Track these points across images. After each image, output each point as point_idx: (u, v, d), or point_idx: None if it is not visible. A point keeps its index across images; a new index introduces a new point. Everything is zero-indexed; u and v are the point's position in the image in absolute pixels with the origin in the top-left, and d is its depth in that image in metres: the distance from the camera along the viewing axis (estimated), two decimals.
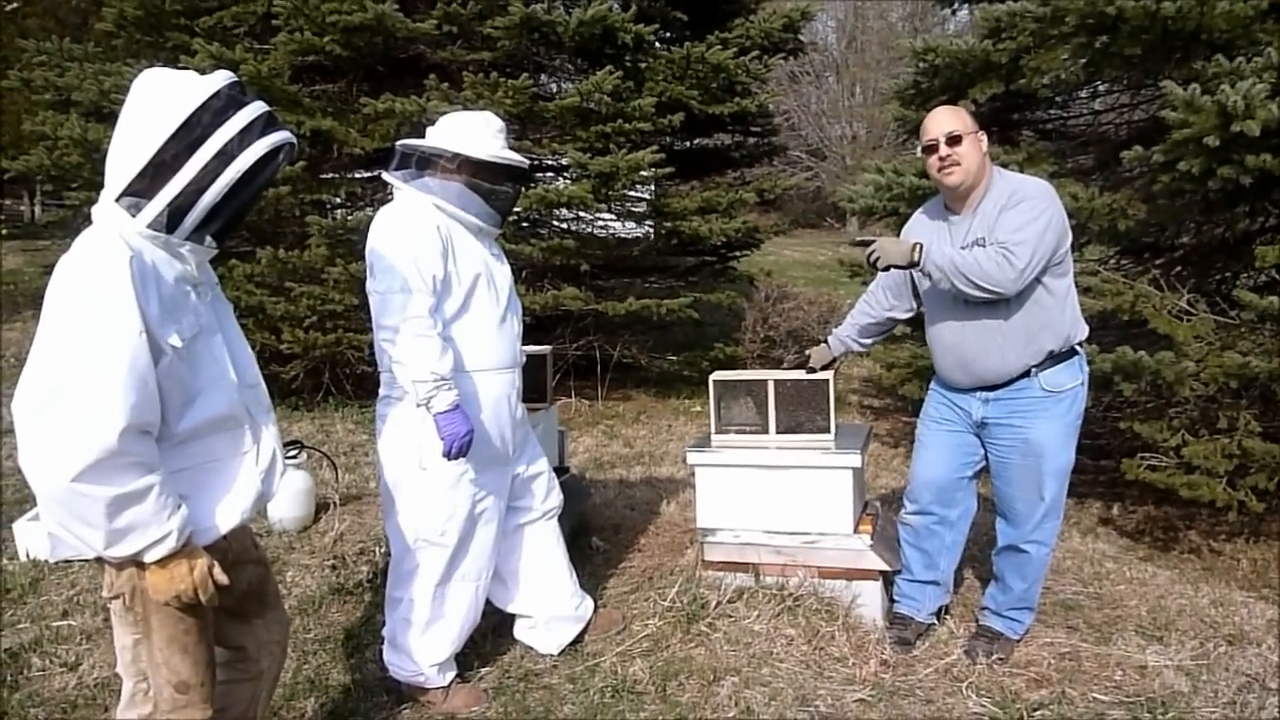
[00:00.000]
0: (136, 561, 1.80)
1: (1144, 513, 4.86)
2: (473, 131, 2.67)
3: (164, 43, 6.48)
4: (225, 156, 1.81)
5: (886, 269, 2.91)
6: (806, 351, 3.41)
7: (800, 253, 19.08)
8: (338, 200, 6.90)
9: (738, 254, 8.71)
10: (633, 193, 7.26)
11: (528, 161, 2.80)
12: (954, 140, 2.77)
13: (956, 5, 6.14)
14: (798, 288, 8.36)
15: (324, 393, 6.80)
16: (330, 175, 6.88)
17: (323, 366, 6.65)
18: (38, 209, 20.95)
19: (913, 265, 2.77)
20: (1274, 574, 4.13)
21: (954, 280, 2.71)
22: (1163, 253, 5.57)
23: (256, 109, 1.86)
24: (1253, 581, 4.09)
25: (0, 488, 4.89)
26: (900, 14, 30.81)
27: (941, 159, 2.80)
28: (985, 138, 2.84)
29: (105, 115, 6.53)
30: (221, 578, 1.88)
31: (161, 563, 1.79)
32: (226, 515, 1.96)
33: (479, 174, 2.67)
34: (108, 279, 1.72)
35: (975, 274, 2.67)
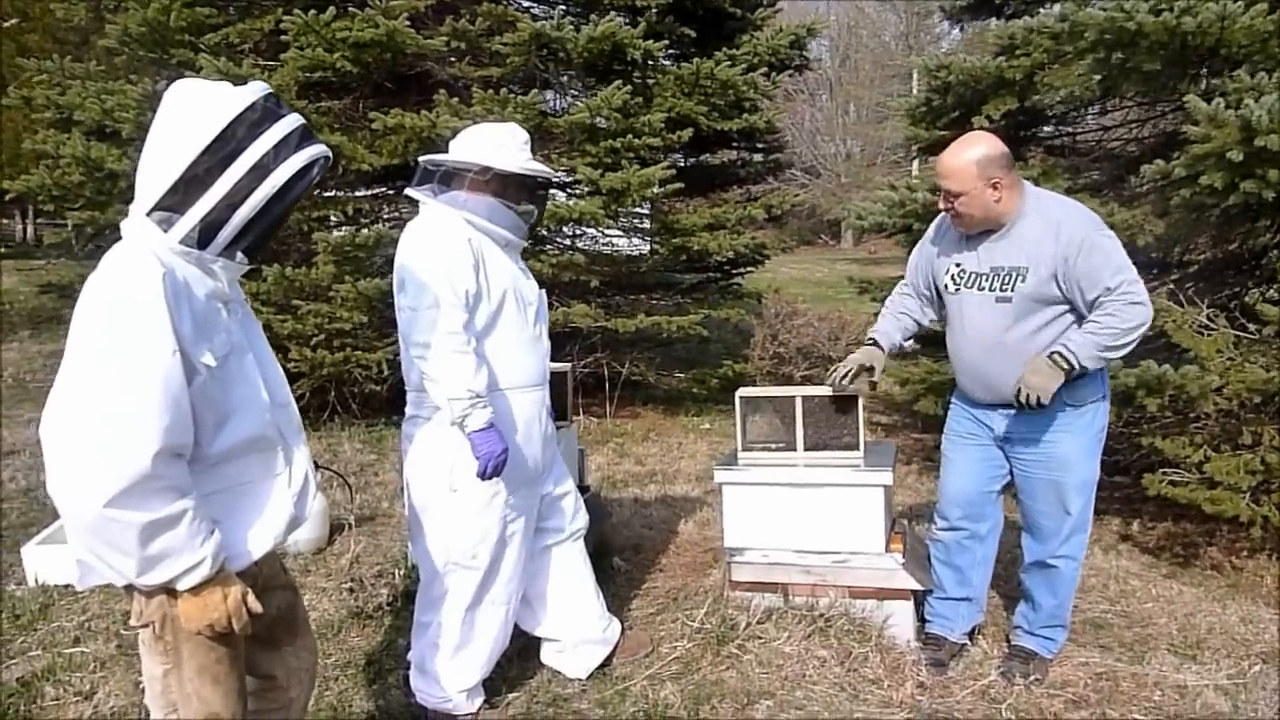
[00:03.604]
0: (167, 589, 1.74)
1: (1163, 529, 4.81)
2: (500, 144, 2.63)
3: (169, 59, 6.43)
4: (260, 171, 1.76)
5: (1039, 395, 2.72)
6: (853, 358, 3.14)
7: (797, 270, 19.09)
8: (343, 217, 6.83)
9: (743, 271, 8.68)
10: (638, 209, 7.24)
11: (555, 173, 2.76)
12: (953, 196, 2.76)
13: (966, 20, 6.14)
14: (804, 304, 8.31)
15: (330, 412, 6.73)
16: (336, 193, 6.83)
17: (330, 385, 6.58)
18: (30, 228, 20.88)
19: (1070, 374, 2.69)
20: None
21: (1110, 355, 2.70)
22: (1174, 268, 5.55)
23: (292, 121, 1.82)
24: (1278, 598, 4.04)
25: (4, 511, 4.80)
26: (893, 32, 31.07)
27: (947, 206, 2.81)
28: (1006, 173, 2.73)
29: (108, 134, 6.48)
30: (255, 605, 1.82)
31: (194, 590, 1.73)
32: (259, 540, 1.91)
33: (508, 187, 2.63)
34: (140, 296, 1.67)
35: (1123, 339, 2.65)
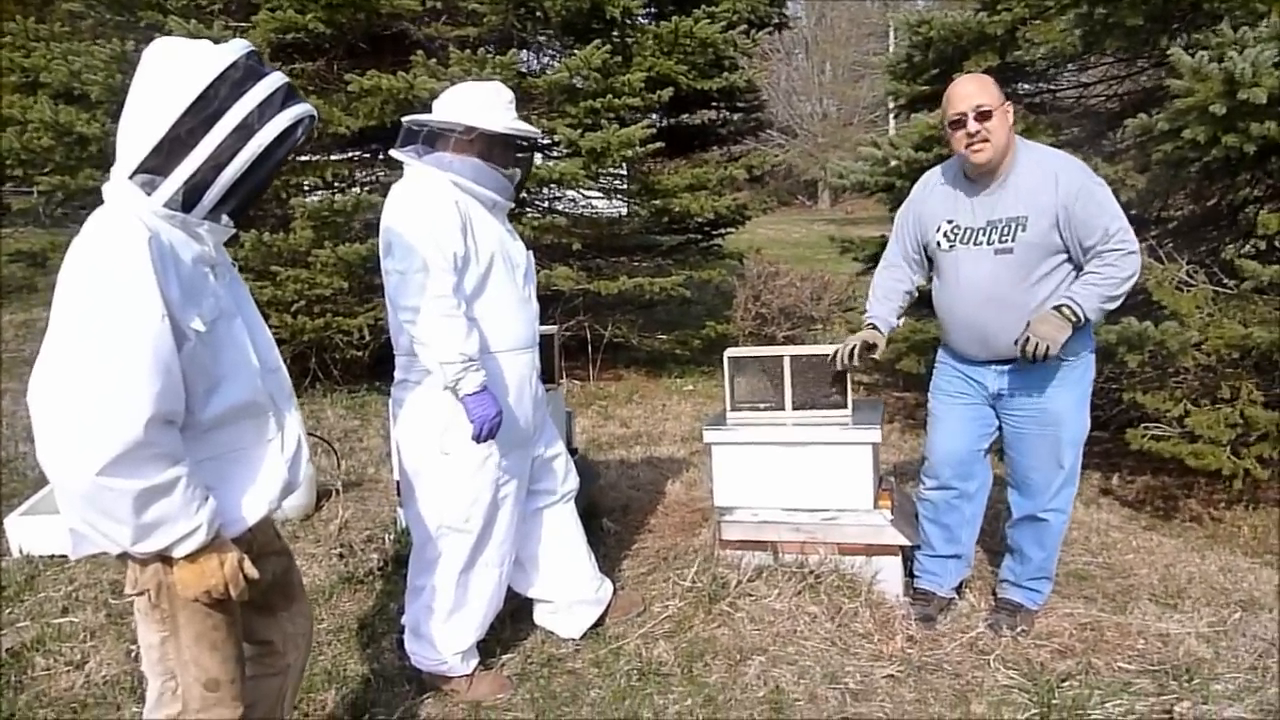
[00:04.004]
0: (163, 556, 1.72)
1: (1143, 482, 4.89)
2: (486, 103, 2.58)
3: (136, 22, 6.25)
4: (245, 131, 1.72)
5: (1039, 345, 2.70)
6: (856, 337, 3.12)
7: (775, 230, 19.04)
8: (321, 181, 6.72)
9: (724, 231, 8.65)
10: (617, 170, 7.17)
11: (540, 133, 2.72)
12: (984, 115, 2.68)
13: None
14: (785, 265, 8.30)
15: (311, 378, 6.68)
16: (313, 156, 6.71)
17: (310, 352, 6.52)
18: None
19: (1078, 325, 2.71)
20: (1275, 540, 4.16)
21: (1111, 306, 2.72)
22: (1153, 224, 5.58)
23: (276, 80, 1.77)
24: (1255, 548, 4.12)
25: None
26: None
27: (970, 135, 2.70)
28: (1011, 108, 2.78)
29: (76, 97, 6.30)
30: (252, 571, 1.81)
31: (190, 557, 1.72)
32: (253, 506, 1.89)
33: (494, 147, 2.59)
34: (126, 261, 1.63)
35: (1121, 288, 2.68)
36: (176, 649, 1.84)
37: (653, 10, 7.44)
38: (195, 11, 6.17)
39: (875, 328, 3.14)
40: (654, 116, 7.58)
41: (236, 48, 1.76)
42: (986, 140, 2.69)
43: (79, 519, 1.66)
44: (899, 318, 3.21)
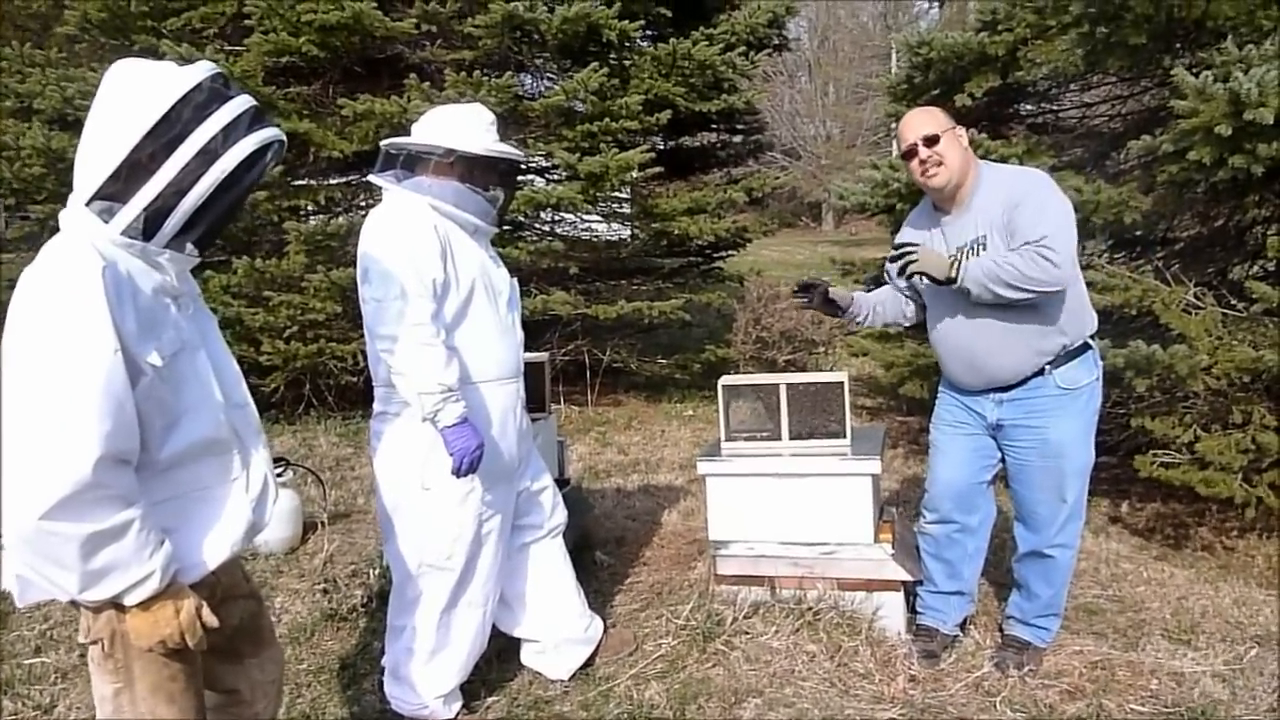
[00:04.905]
0: (116, 604, 1.63)
1: (1152, 510, 4.76)
2: (465, 125, 2.50)
3: (130, 46, 6.23)
4: (208, 156, 1.64)
5: (918, 277, 2.72)
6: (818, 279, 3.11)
7: (778, 252, 18.99)
8: (315, 206, 6.67)
9: (724, 254, 8.57)
10: (617, 193, 7.11)
11: (523, 155, 2.64)
12: (931, 141, 2.69)
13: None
14: (786, 287, 8.21)
15: (305, 405, 6.59)
16: (307, 181, 6.66)
17: (304, 378, 6.43)
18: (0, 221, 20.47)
19: (950, 281, 2.63)
20: None
21: (997, 290, 2.57)
22: (1158, 245, 5.49)
23: (242, 103, 1.70)
24: (1270, 579, 3.99)
25: None
26: (871, 13, 30.94)
27: (923, 161, 2.71)
28: (964, 132, 2.77)
29: (70, 123, 6.27)
30: (211, 619, 1.71)
31: (144, 605, 1.63)
32: (215, 549, 1.80)
33: (474, 170, 2.50)
34: (78, 292, 1.56)
35: (1018, 279, 2.54)
36: (131, 701, 1.75)
37: (651, 33, 7.39)
38: (189, 35, 6.15)
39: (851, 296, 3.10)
40: (655, 139, 7.52)
41: (201, 69, 1.69)
42: (940, 164, 2.69)
43: (23, 564, 1.58)
44: (888, 318, 3.12)
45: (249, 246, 6.29)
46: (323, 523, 4.10)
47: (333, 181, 6.86)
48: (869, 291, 3.20)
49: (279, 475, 3.96)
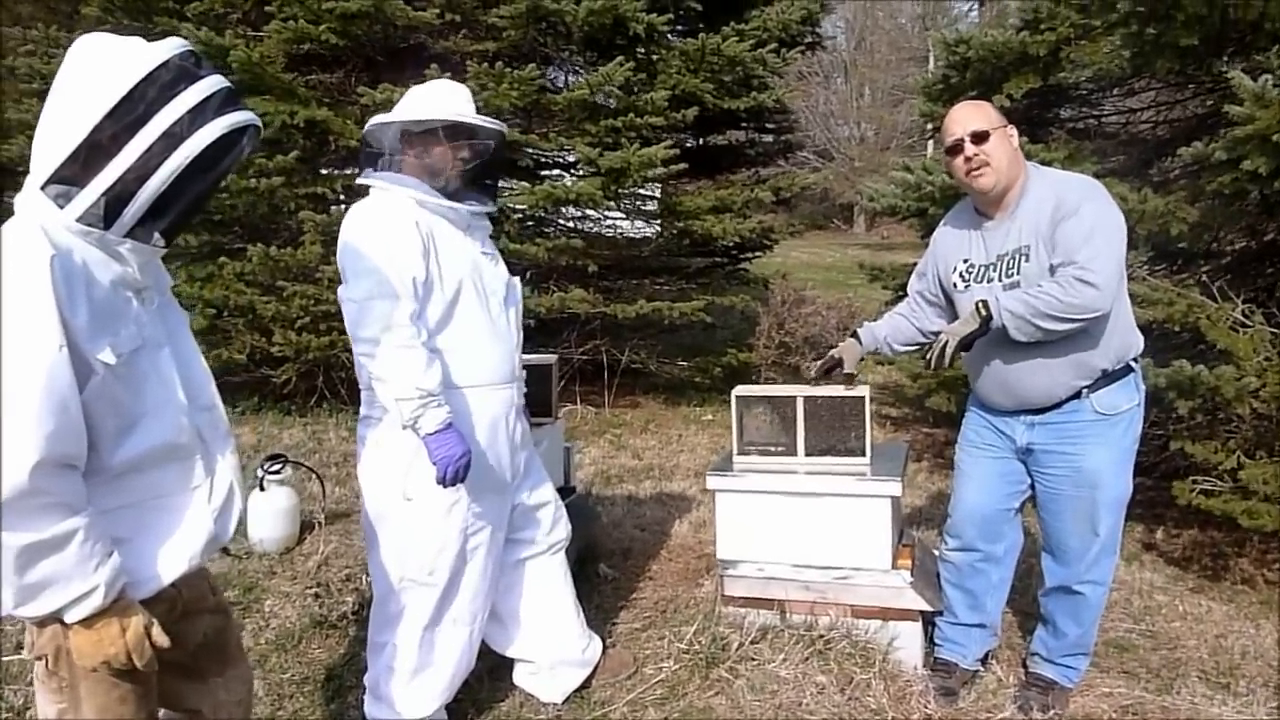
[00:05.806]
0: (60, 619, 1.50)
1: (1189, 537, 4.53)
2: (437, 98, 2.35)
3: (152, 28, 6.17)
4: (172, 139, 1.52)
5: (967, 348, 2.53)
6: (833, 351, 3.00)
7: (808, 254, 18.78)
8: (333, 195, 6.57)
9: (750, 256, 8.39)
10: (642, 191, 6.95)
11: (503, 125, 2.45)
12: (980, 138, 2.48)
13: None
14: (812, 291, 8.02)
15: (318, 397, 6.50)
16: (327, 170, 6.57)
17: (316, 370, 6.34)
18: None
19: (986, 326, 2.44)
20: None
21: (1037, 322, 2.38)
22: (1202, 259, 5.25)
23: (213, 84, 1.57)
24: None
25: None
26: (910, 15, 30.54)
27: (968, 159, 2.50)
28: (1015, 131, 2.55)
29: None
30: (161, 639, 1.58)
31: (87, 622, 1.51)
32: (171, 562, 1.67)
33: (456, 143, 2.32)
34: (22, 283, 1.45)
35: (1056, 309, 2.34)
36: None
37: (680, 27, 7.22)
38: (211, 19, 6.07)
39: (857, 336, 2.98)
40: (683, 136, 7.35)
41: (170, 46, 1.57)
42: (987, 164, 2.49)
43: None
44: (901, 344, 2.96)
45: (265, 234, 6.21)
46: (320, 522, 3.98)
47: (351, 171, 6.76)
48: (887, 316, 3.04)
49: (277, 472, 3.86)
